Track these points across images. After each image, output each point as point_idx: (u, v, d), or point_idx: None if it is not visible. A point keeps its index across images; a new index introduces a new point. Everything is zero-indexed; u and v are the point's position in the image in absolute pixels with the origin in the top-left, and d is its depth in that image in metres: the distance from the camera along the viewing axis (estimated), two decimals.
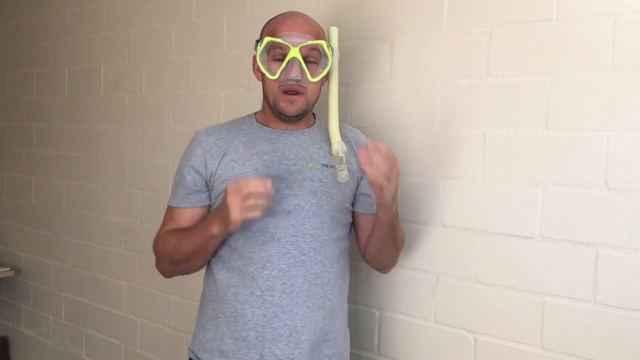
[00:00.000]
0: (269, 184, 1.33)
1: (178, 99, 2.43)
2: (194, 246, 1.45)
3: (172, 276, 1.61)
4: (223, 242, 1.49)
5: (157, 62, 2.52)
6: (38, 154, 3.21)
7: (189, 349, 1.58)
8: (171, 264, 1.54)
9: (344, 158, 1.47)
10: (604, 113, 1.40)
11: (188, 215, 1.54)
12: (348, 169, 1.47)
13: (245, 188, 1.31)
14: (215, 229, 1.39)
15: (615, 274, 1.39)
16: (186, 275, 2.31)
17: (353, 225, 1.62)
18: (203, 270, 1.59)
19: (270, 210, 1.44)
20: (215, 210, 1.43)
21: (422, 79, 1.71)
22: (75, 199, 2.96)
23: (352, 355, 1.68)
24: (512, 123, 1.54)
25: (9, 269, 3.30)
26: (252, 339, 1.45)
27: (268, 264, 1.45)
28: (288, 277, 1.45)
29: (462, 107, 1.63)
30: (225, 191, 1.34)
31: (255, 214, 1.33)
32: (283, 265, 1.45)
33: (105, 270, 2.79)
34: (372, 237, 1.54)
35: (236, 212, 1.31)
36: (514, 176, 1.54)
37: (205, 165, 1.51)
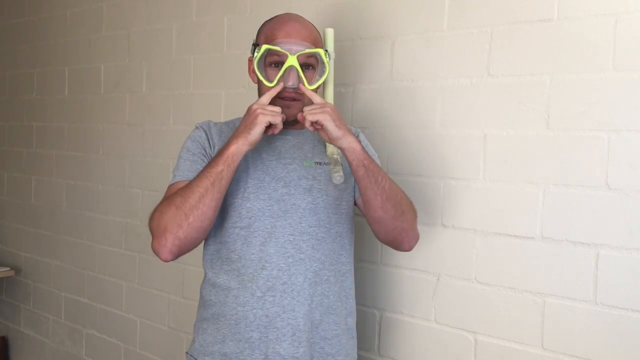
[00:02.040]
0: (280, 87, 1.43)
1: (178, 98, 2.43)
2: (207, 179, 1.35)
3: (172, 253, 1.38)
4: (220, 244, 1.49)
5: (157, 61, 2.52)
6: (38, 154, 3.20)
7: (187, 353, 1.56)
8: (176, 224, 1.35)
9: (339, 159, 1.47)
10: (604, 113, 1.40)
11: None
12: (344, 169, 1.47)
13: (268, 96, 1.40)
14: (233, 146, 1.38)
15: (615, 275, 1.39)
16: (186, 275, 2.31)
17: (363, 213, 1.58)
18: (201, 277, 1.59)
19: (268, 209, 1.45)
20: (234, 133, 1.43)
21: (423, 79, 1.71)
22: (76, 199, 2.96)
23: None
24: (512, 123, 1.54)
25: (8, 268, 3.30)
26: (255, 340, 1.44)
27: (267, 265, 1.44)
28: (288, 277, 1.45)
29: (462, 107, 1.63)
30: (249, 108, 1.41)
31: (279, 118, 1.39)
32: (282, 265, 1.45)
33: (105, 270, 2.79)
34: (363, 196, 1.46)
35: (265, 115, 1.37)
36: (514, 176, 1.54)
37: (210, 146, 1.52)
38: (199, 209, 1.35)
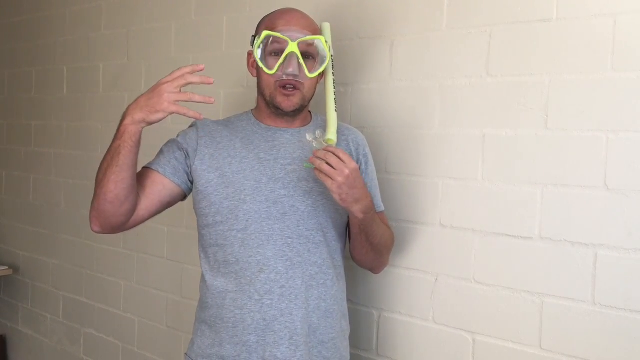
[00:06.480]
0: (202, 66, 1.33)
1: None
2: (109, 153, 1.40)
3: (100, 227, 1.45)
4: (217, 246, 1.48)
5: (156, 60, 2.52)
6: (37, 152, 3.20)
7: (185, 354, 1.56)
8: (95, 197, 1.42)
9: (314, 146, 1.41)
10: (603, 113, 1.40)
11: (156, 179, 1.50)
12: None
13: (185, 74, 1.32)
14: (128, 118, 1.36)
15: (614, 275, 1.38)
16: (185, 275, 2.31)
17: (347, 226, 1.61)
18: (200, 276, 1.58)
19: (265, 211, 1.44)
20: (134, 101, 1.37)
21: (422, 78, 1.71)
22: (74, 198, 2.95)
23: (350, 355, 1.67)
24: (511, 123, 1.54)
25: (7, 267, 3.30)
26: (252, 343, 1.44)
27: (265, 268, 1.44)
28: (286, 280, 1.44)
29: (461, 107, 1.63)
30: (159, 82, 1.32)
31: (191, 113, 1.34)
32: (280, 268, 1.44)
33: (104, 269, 2.78)
34: (351, 237, 1.55)
35: (171, 105, 1.32)
36: (513, 176, 1.53)
37: (196, 150, 1.50)
38: (105, 182, 1.39)
